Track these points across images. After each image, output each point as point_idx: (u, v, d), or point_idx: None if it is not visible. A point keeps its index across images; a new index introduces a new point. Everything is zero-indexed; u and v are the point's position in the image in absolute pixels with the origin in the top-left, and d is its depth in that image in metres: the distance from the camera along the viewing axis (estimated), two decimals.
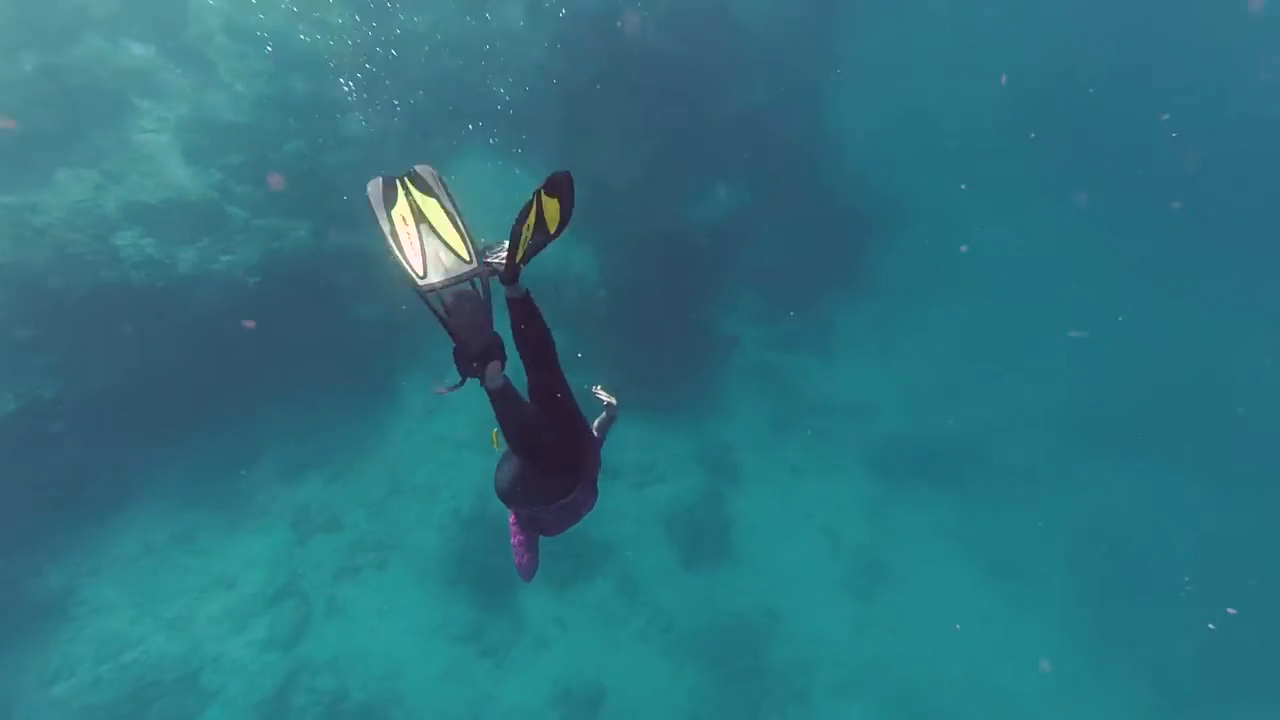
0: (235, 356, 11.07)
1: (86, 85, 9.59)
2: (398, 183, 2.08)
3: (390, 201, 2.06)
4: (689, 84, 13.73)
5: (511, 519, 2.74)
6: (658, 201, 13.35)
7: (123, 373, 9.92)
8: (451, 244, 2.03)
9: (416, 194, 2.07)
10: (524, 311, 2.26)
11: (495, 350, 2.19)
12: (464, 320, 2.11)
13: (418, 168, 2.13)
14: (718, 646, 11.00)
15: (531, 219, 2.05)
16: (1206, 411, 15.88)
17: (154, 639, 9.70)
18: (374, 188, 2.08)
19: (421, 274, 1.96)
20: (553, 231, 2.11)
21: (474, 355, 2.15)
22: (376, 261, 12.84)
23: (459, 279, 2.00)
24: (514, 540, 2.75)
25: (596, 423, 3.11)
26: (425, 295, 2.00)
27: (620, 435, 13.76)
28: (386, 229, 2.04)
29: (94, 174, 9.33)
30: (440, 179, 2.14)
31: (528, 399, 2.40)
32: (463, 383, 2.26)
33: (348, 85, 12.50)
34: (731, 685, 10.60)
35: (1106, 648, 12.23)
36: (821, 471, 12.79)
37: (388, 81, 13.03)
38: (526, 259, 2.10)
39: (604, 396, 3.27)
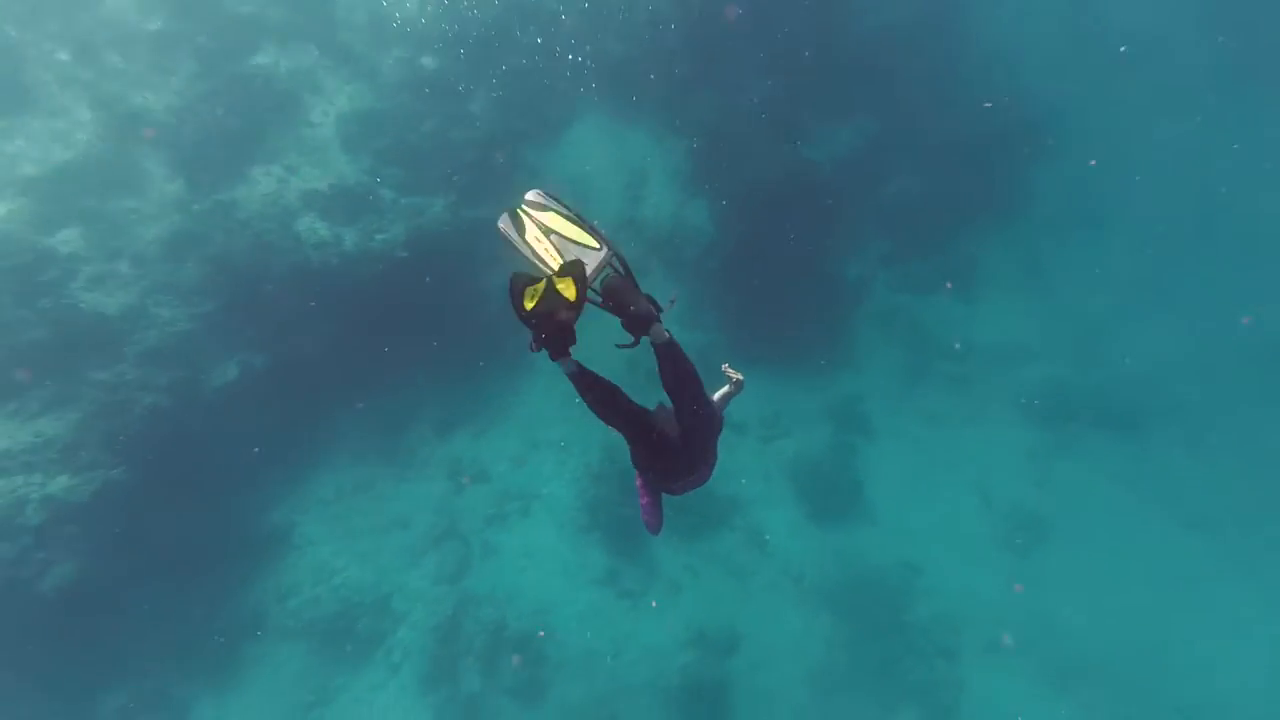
0: (393, 326, 12.33)
1: (267, 88, 10.84)
2: (519, 212, 2.38)
3: (520, 229, 2.36)
4: (810, 6, 12.61)
5: (638, 480, 2.98)
6: (775, 143, 12.66)
7: (311, 343, 11.43)
8: (582, 241, 2.32)
9: (536, 214, 2.37)
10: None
11: (653, 314, 2.45)
12: (621, 297, 2.41)
13: (527, 195, 2.45)
14: (854, 599, 10.85)
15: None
16: None
17: (351, 568, 11.44)
18: (504, 224, 2.39)
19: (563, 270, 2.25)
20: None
21: (639, 319, 2.40)
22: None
23: (600, 267, 2.33)
24: (641, 500, 2.97)
25: (719, 394, 3.26)
26: (586, 285, 2.27)
27: (744, 392, 13.72)
28: (528, 253, 2.33)
29: (278, 169, 10.63)
30: (548, 194, 2.44)
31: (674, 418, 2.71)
32: (636, 342, 2.50)
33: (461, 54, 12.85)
34: (870, 638, 10.45)
35: None
36: (965, 421, 11.81)
37: (504, 49, 13.34)
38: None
39: (732, 374, 3.43)
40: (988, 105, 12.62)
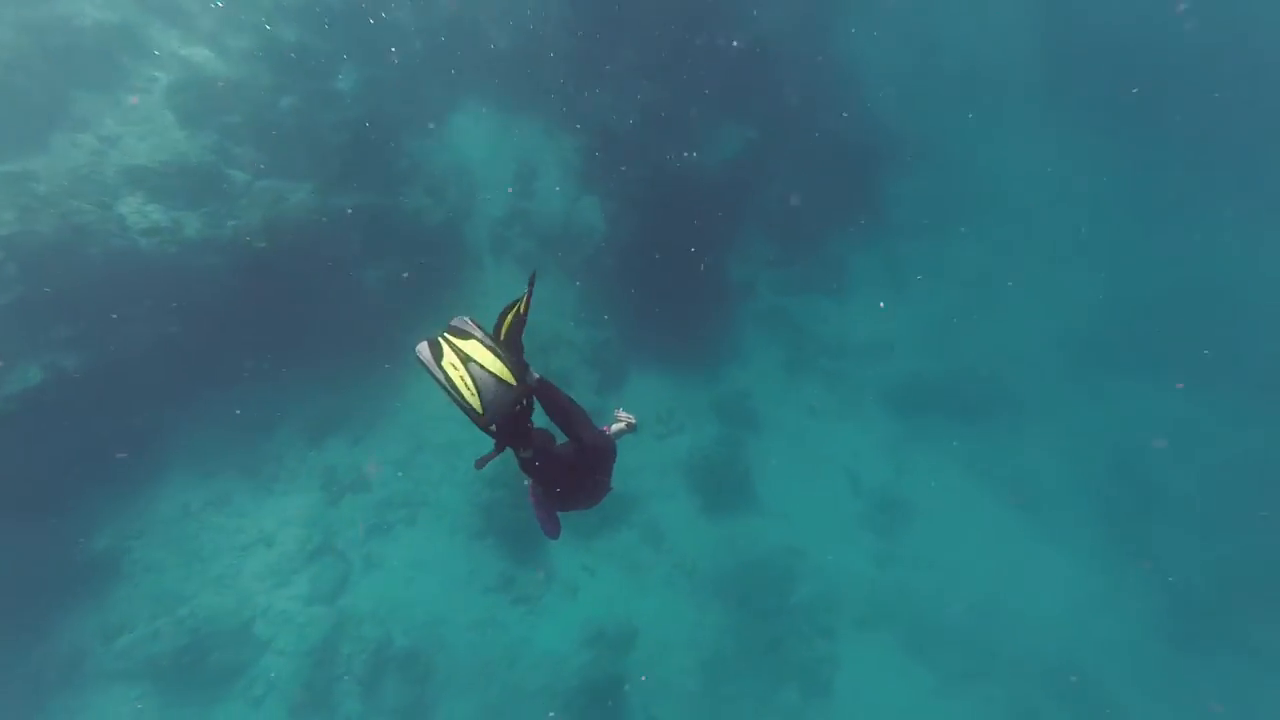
0: (249, 322, 11.06)
1: (69, 45, 9.19)
2: (440, 340, 2.43)
3: (439, 355, 2.39)
4: (691, 15, 12.93)
5: (530, 493, 2.97)
6: (663, 145, 12.83)
7: (142, 341, 9.96)
8: (500, 375, 2.37)
9: (458, 341, 2.41)
10: (546, 395, 2.61)
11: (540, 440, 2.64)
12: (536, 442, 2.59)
13: (453, 322, 2.50)
14: (743, 587, 11.33)
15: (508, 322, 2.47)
16: (1220, 330, 15.46)
17: (204, 595, 10.15)
18: (422, 350, 2.43)
19: (480, 412, 2.34)
20: (523, 313, 2.48)
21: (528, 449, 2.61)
22: (381, 222, 12.75)
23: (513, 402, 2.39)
24: (537, 513, 2.99)
25: (613, 429, 3.36)
26: (489, 428, 2.40)
27: (640, 387, 13.88)
28: (442, 380, 2.37)
29: (90, 138, 9.08)
30: (474, 321, 2.49)
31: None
32: (500, 451, 2.60)
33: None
34: (757, 623, 10.97)
35: (1124, 572, 12.40)
36: (839, 413, 12.76)
37: (378, 27, 12.38)
38: (515, 345, 2.49)
39: (624, 416, 3.52)
40: (845, 115, 13.64)
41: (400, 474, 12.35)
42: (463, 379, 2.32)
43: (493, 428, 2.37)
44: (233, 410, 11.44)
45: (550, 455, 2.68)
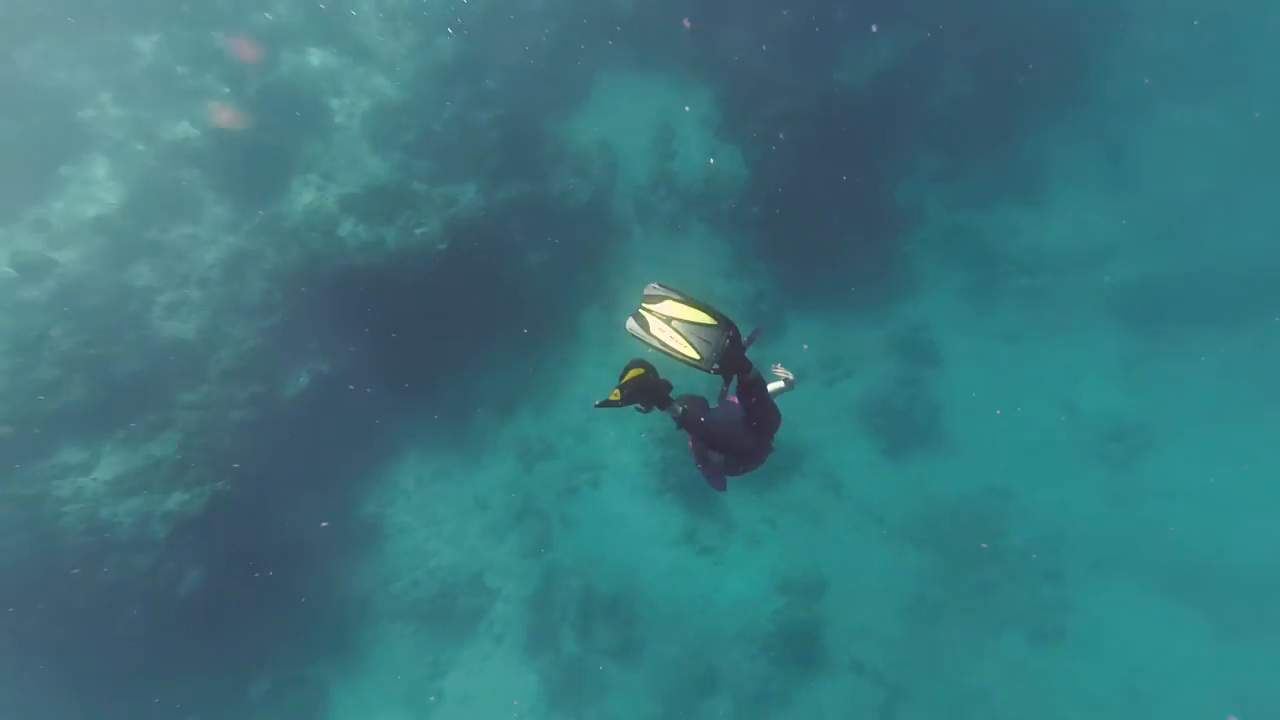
0: (442, 318, 12.55)
1: (292, 98, 10.97)
2: (640, 311, 2.59)
3: (645, 326, 2.56)
4: None
5: (691, 450, 3.14)
6: (805, 70, 11.92)
7: (369, 345, 11.79)
8: (701, 321, 2.53)
9: (656, 308, 2.58)
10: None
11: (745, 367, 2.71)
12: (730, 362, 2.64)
13: (645, 290, 2.65)
14: (941, 532, 10.63)
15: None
16: None
17: (443, 551, 11.98)
18: (630, 325, 2.60)
19: (699, 358, 2.50)
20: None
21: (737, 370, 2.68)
22: (536, 208, 13.64)
23: (722, 348, 2.53)
24: (699, 466, 3.16)
25: (772, 388, 3.40)
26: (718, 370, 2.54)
27: (799, 335, 13.44)
28: (658, 345, 2.52)
29: (315, 177, 10.83)
30: (662, 284, 2.64)
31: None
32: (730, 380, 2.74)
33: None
34: (963, 568, 10.24)
35: None
36: (1043, 335, 11.12)
37: (514, 19, 13.00)
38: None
39: (784, 374, 3.59)
40: None
41: (579, 442, 13.35)
42: (673, 337, 2.51)
43: (715, 368, 2.52)
44: (439, 396, 13.17)
45: (711, 421, 2.83)
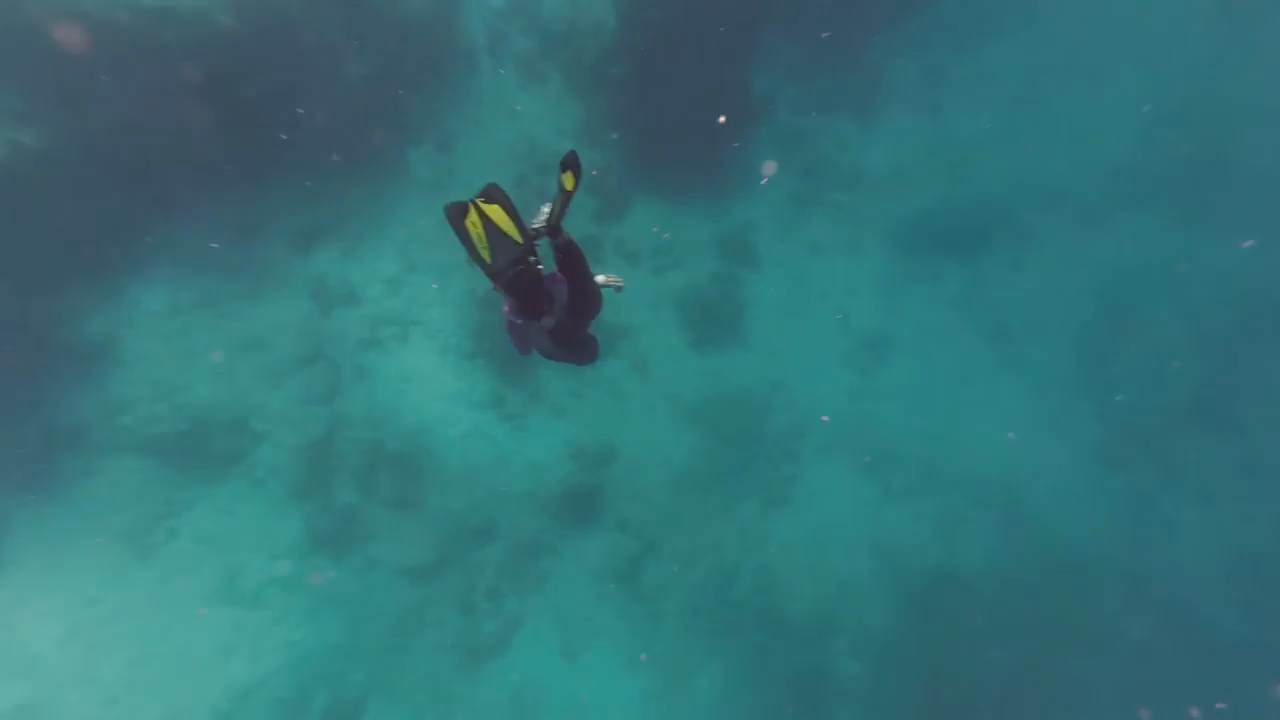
0: (222, 114, 10.21)
1: None
2: (470, 203, 2.68)
3: (463, 214, 2.66)
4: None
5: (505, 312, 3.16)
6: None
7: (103, 122, 9.26)
8: (509, 232, 2.67)
9: (484, 205, 2.68)
10: (567, 252, 2.97)
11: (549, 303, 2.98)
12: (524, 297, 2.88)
13: (486, 187, 2.74)
14: (720, 415, 11.61)
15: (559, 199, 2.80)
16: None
17: (200, 386, 10.49)
18: (451, 207, 2.70)
19: (489, 262, 2.66)
20: (570, 189, 2.73)
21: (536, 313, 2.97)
22: (362, 5, 11.29)
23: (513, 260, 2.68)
24: (510, 331, 3.26)
25: (601, 279, 3.53)
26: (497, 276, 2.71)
27: (641, 218, 13.15)
28: (464, 234, 2.67)
29: None
30: (503, 192, 2.72)
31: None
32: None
33: None
34: (729, 447, 11.40)
35: (1077, 400, 12.34)
36: (842, 250, 12.13)
37: None
38: (557, 222, 2.84)
39: (612, 280, 3.68)
40: None
41: (390, 293, 12.19)
42: (479, 236, 2.64)
43: (498, 281, 2.70)
44: (213, 208, 11.00)
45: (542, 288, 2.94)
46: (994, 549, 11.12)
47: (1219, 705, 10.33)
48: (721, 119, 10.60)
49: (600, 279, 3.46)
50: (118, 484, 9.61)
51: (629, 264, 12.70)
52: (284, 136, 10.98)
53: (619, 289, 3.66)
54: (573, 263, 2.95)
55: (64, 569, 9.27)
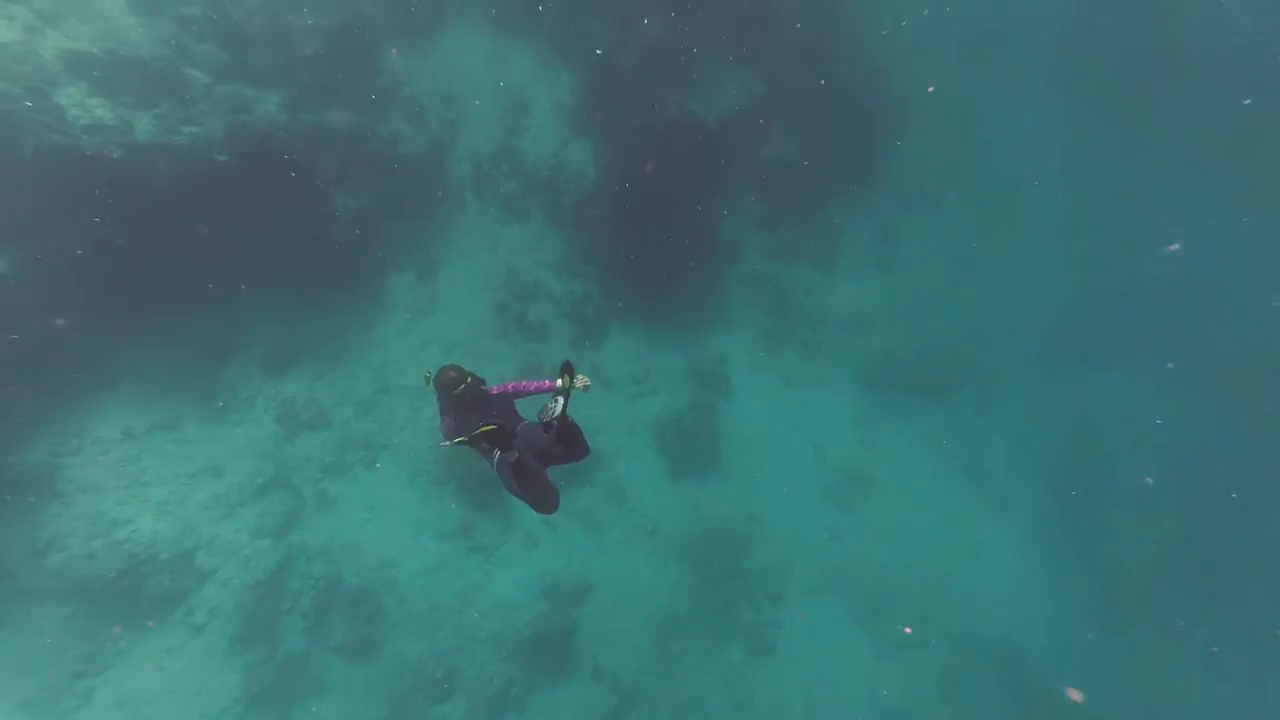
0: (207, 240, 10.35)
1: None
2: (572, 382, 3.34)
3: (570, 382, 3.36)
4: None
5: (506, 472, 3.51)
6: (663, 88, 12.13)
7: (86, 249, 9.22)
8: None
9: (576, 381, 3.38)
10: (566, 430, 3.44)
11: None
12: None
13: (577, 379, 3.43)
14: (700, 549, 11.40)
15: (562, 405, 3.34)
16: (1187, 328, 15.55)
17: (144, 520, 9.75)
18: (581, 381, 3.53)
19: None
20: (568, 388, 3.35)
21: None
22: (356, 145, 11.94)
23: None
24: (523, 488, 3.56)
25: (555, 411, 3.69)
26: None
27: (617, 346, 13.54)
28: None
29: (23, 11, 8.12)
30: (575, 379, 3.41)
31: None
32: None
33: None
34: (711, 585, 11.10)
35: (1064, 552, 12.88)
36: (813, 384, 12.73)
37: None
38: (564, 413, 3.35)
39: (553, 409, 3.70)
40: (855, 70, 12.96)
41: (361, 415, 11.96)
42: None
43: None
44: (184, 333, 10.81)
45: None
46: (1003, 713, 10.86)
47: None
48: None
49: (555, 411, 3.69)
50: (33, 639, 8.57)
51: (605, 390, 12.93)
52: (263, 258, 11.12)
53: (585, 389, 3.81)
54: (571, 436, 3.41)
55: None
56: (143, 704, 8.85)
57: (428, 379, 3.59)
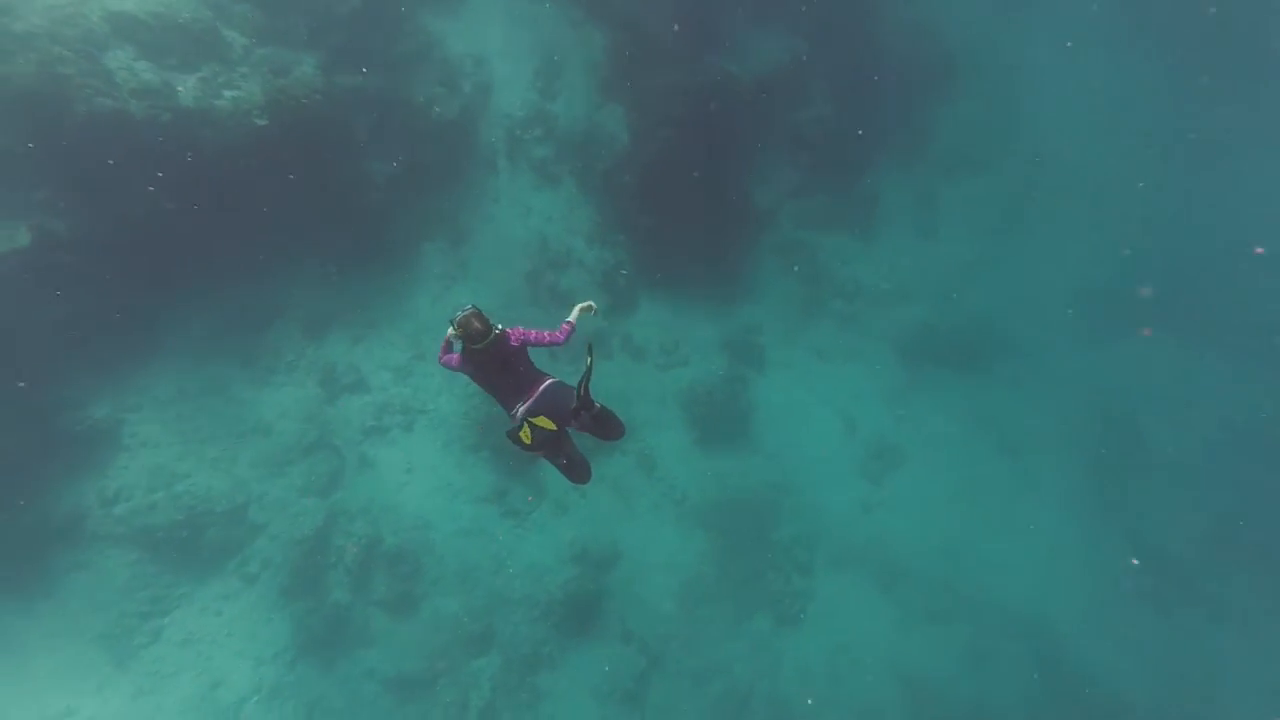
0: (250, 205, 10.52)
1: None
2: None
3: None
4: None
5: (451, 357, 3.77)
6: (698, 48, 11.63)
7: (136, 213, 9.48)
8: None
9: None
10: (598, 418, 3.60)
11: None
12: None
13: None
14: (728, 519, 11.47)
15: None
16: (1231, 291, 14.56)
17: (200, 474, 10.28)
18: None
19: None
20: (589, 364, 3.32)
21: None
22: (389, 109, 11.87)
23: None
24: (446, 358, 3.77)
25: (574, 318, 3.97)
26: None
27: (648, 315, 13.44)
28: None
29: None
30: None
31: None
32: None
33: None
34: (738, 554, 11.17)
35: (1098, 525, 12.46)
36: (846, 357, 12.45)
37: None
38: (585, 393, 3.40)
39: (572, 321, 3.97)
40: (897, 32, 12.21)
41: (398, 380, 12.22)
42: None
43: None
44: (229, 297, 11.13)
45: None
46: (1030, 689, 10.67)
47: None
48: None
49: (576, 312, 3.91)
50: (106, 580, 9.21)
51: (635, 360, 12.89)
52: (301, 224, 11.27)
53: (594, 313, 3.98)
54: (603, 421, 3.54)
55: (39, 677, 8.75)
56: (205, 644, 9.48)
57: (452, 324, 3.51)
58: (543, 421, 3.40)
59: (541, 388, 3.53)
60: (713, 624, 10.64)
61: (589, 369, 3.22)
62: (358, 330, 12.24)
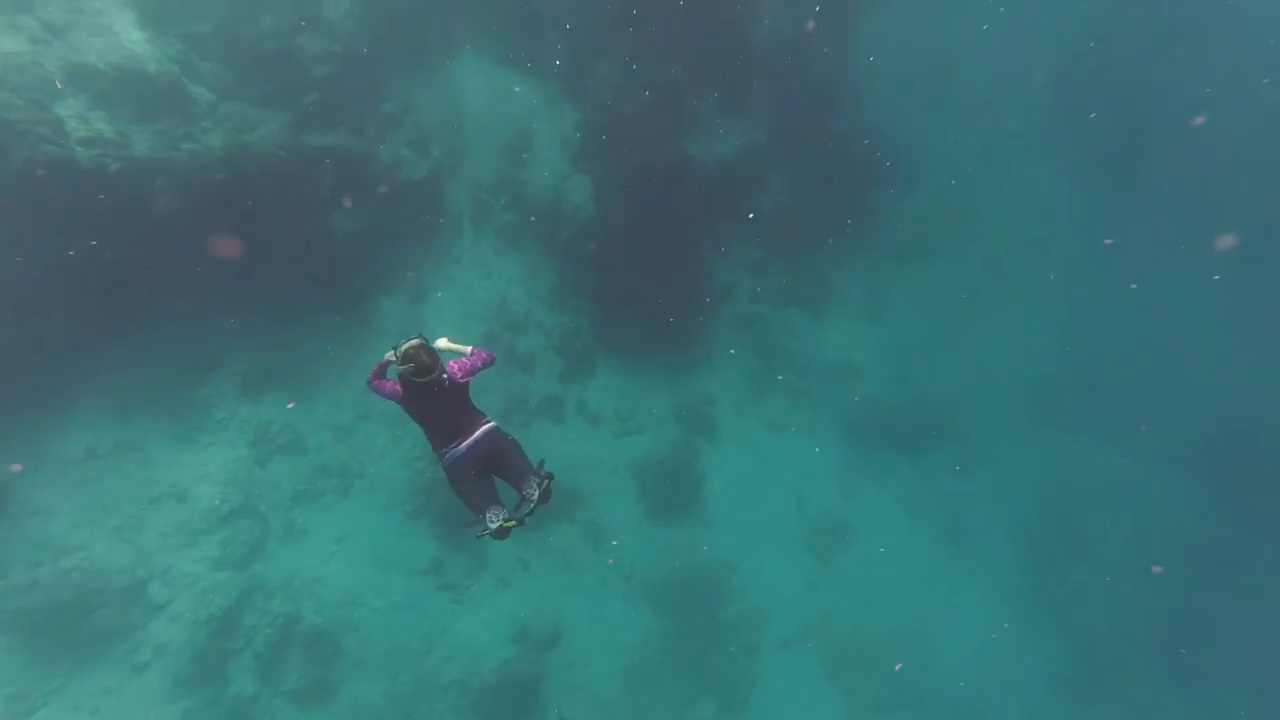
0: (195, 258, 10.16)
1: None
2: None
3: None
4: (714, 5, 12.49)
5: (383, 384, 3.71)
6: (665, 133, 12.36)
7: (69, 259, 8.99)
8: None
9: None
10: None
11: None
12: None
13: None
14: (676, 597, 11.11)
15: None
16: (1171, 398, 15.70)
17: (96, 546, 9.28)
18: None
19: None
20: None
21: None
22: (357, 169, 11.93)
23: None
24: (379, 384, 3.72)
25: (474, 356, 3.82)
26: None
27: (605, 382, 13.38)
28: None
29: (31, 22, 8.10)
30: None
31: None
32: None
33: None
34: (684, 634, 10.76)
35: (1037, 616, 12.70)
36: (797, 432, 12.65)
37: None
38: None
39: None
40: (860, 138, 13.45)
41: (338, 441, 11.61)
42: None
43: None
44: (163, 348, 10.50)
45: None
46: None
47: None
48: None
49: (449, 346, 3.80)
50: None
51: (590, 426, 12.71)
52: (252, 277, 10.92)
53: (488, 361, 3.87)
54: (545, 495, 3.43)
55: None
56: None
57: (394, 353, 3.37)
58: (510, 524, 3.33)
59: (479, 432, 3.46)
60: (656, 710, 10.02)
61: (547, 489, 3.33)
62: (300, 388, 11.68)
